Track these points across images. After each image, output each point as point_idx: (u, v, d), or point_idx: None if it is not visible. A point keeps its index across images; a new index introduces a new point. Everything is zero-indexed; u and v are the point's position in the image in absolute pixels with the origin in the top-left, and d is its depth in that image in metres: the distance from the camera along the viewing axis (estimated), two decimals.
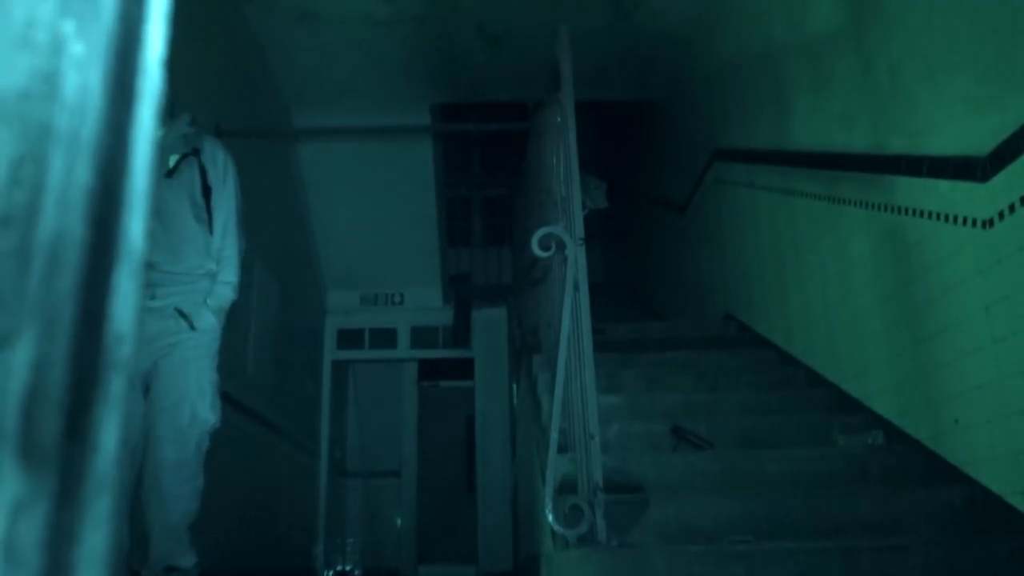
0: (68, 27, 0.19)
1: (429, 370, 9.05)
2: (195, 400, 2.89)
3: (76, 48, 0.19)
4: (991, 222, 2.41)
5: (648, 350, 4.33)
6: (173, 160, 3.00)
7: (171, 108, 2.95)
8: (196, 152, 3.06)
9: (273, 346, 5.79)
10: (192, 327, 2.93)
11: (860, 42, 3.26)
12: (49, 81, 0.19)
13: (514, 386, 6.23)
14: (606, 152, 9.36)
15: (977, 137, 2.47)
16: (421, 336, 8.08)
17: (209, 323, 2.98)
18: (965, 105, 2.56)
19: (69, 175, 0.19)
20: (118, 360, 0.21)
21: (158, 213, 2.94)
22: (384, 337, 8.07)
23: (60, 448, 0.21)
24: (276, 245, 6.03)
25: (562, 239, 2.76)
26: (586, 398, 2.52)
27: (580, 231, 2.75)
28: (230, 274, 3.04)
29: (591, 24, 5.44)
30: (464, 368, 8.16)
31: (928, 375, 2.78)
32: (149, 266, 2.69)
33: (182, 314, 2.91)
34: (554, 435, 2.57)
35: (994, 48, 2.41)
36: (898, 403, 3.00)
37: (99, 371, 0.20)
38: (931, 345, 2.75)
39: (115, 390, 0.21)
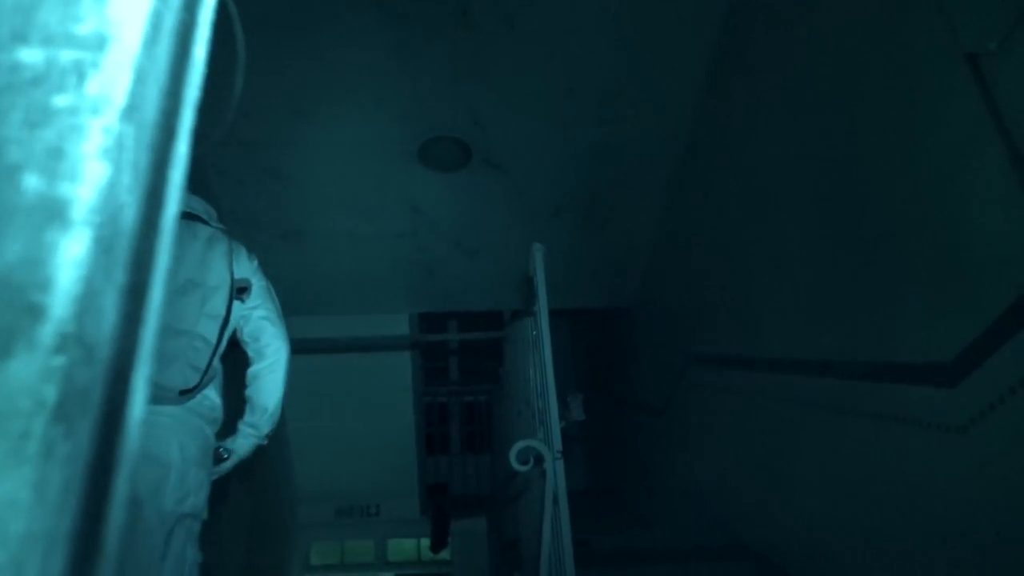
0: (58, 431, 0.20)
1: None
2: None
3: (62, 449, 0.20)
4: (966, 428, 2.42)
5: (634, 563, 4.17)
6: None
7: None
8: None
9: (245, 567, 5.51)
10: None
11: (815, 253, 3.42)
12: (39, 490, 0.20)
13: None
14: (581, 355, 9.48)
15: (942, 343, 2.53)
16: (398, 550, 7.79)
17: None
18: (926, 314, 2.65)
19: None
20: None
21: None
22: (359, 551, 7.76)
23: None
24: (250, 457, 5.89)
25: (540, 452, 2.74)
26: None
27: (558, 444, 2.74)
28: None
29: (563, 238, 5.69)
30: None
31: None
32: None
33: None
34: None
35: (943, 262, 2.53)
36: None
37: None
38: None
39: None
